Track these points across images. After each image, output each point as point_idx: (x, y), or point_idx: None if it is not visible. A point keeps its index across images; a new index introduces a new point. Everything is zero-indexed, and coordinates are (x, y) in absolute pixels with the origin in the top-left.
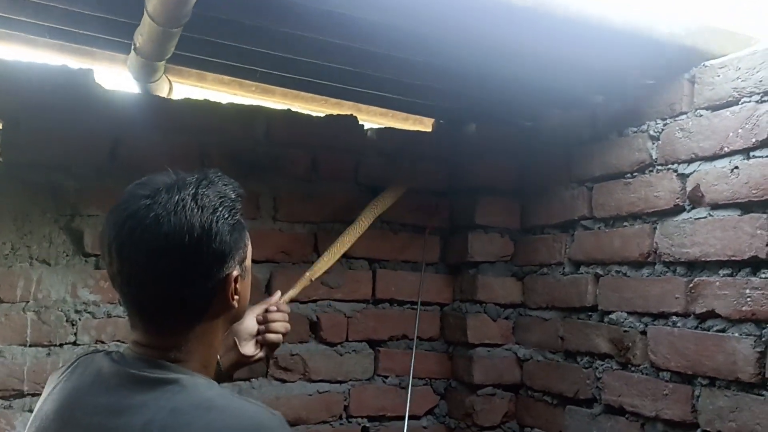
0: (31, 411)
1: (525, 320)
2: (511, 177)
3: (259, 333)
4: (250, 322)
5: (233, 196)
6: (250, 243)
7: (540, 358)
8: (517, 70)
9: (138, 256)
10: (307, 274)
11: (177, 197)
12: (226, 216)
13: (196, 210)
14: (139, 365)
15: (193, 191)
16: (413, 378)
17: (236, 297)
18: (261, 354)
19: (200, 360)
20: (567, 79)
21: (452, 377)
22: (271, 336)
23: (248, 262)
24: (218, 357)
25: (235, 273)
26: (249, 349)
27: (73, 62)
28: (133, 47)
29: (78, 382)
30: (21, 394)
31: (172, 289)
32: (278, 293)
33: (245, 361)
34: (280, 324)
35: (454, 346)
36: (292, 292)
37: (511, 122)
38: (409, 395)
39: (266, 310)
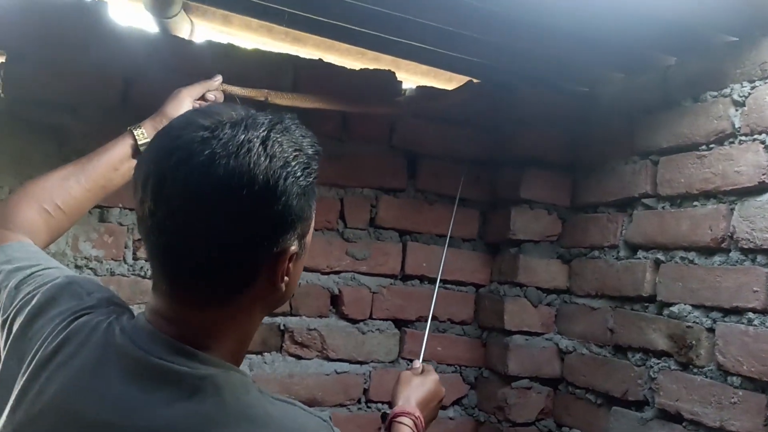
0: None
1: (570, 308)
2: (562, 148)
3: None
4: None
5: (310, 152)
6: (315, 215)
7: (584, 351)
8: (573, 23)
9: (179, 198)
10: (267, 92)
11: (243, 137)
12: (299, 174)
13: (263, 158)
14: (159, 350)
15: (264, 134)
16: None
17: (286, 279)
18: None
19: (231, 348)
20: (633, 36)
21: (485, 366)
22: None
23: (309, 238)
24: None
25: (292, 249)
26: None
27: None
28: None
29: (81, 362)
30: None
31: (211, 250)
32: (219, 77)
33: None
34: None
35: (488, 332)
36: (238, 89)
37: (564, 88)
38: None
39: (203, 97)
